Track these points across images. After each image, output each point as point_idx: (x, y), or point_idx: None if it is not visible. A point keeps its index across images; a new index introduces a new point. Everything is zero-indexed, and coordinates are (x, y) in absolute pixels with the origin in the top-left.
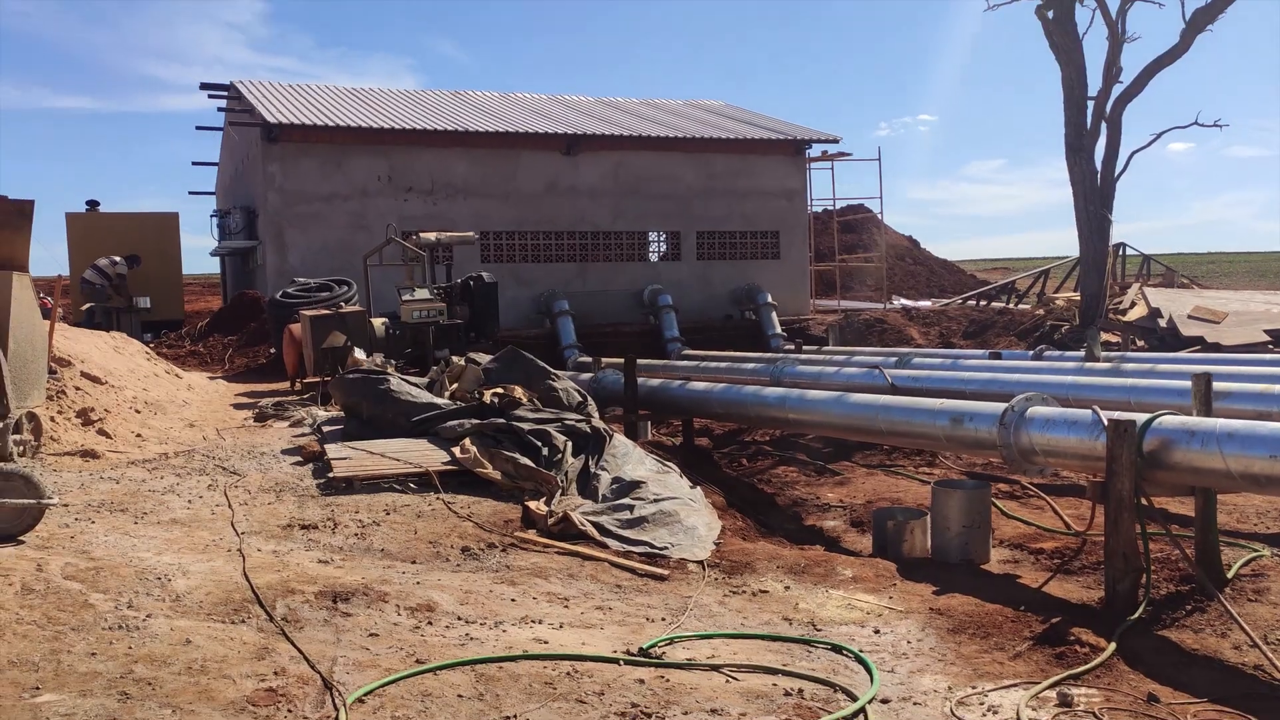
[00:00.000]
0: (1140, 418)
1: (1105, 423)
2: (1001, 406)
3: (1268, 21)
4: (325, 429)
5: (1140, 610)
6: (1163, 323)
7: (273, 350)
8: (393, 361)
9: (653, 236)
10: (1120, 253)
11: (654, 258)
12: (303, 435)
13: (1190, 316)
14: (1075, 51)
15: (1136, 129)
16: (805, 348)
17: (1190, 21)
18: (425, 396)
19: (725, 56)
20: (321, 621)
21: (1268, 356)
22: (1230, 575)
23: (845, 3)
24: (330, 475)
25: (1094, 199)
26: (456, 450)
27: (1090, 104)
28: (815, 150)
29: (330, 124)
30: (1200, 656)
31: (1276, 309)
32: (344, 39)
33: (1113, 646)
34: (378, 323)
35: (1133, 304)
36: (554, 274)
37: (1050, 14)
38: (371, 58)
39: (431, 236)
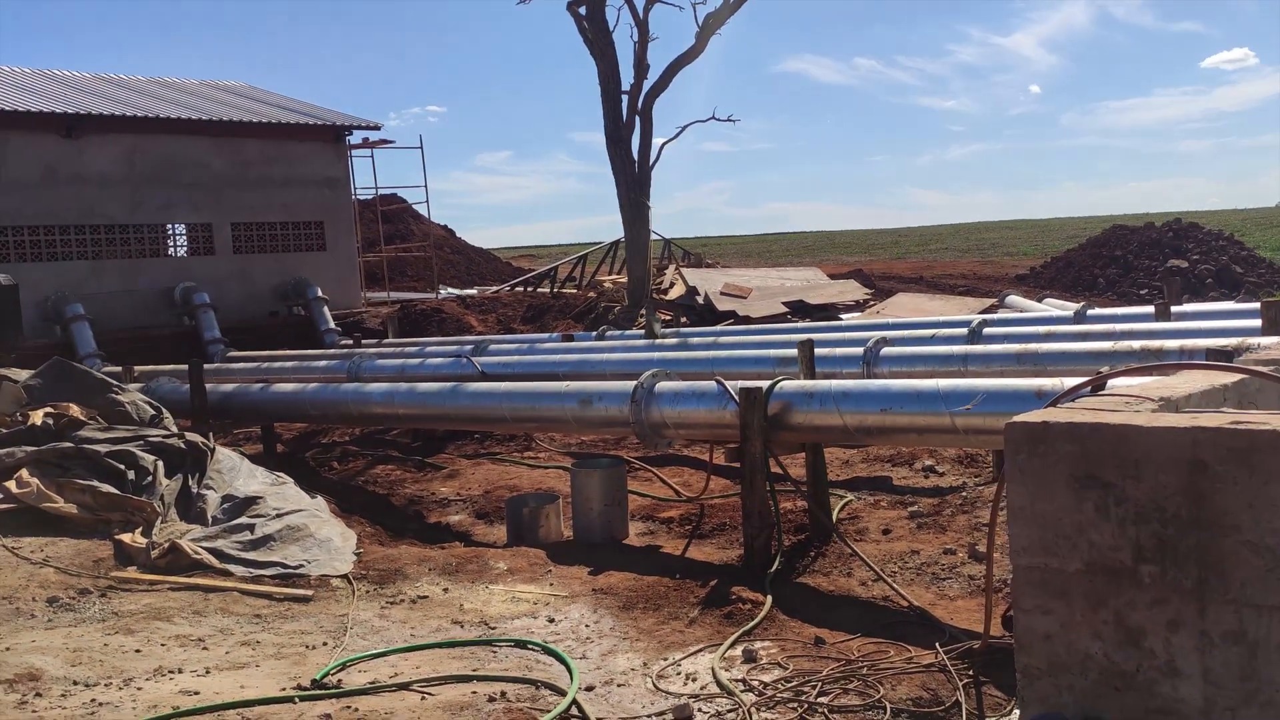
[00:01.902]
0: (763, 384)
1: (733, 392)
2: (628, 385)
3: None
4: None
5: (776, 563)
6: (700, 300)
7: None
8: None
9: (181, 229)
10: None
11: (184, 252)
12: None
13: (722, 293)
14: (609, 47)
15: (666, 122)
16: (364, 341)
17: (703, 24)
18: None
19: (205, 37)
20: None
21: (799, 325)
22: (834, 520)
23: None
24: None
25: (634, 187)
26: (11, 485)
27: (625, 98)
28: (357, 138)
29: None
30: (838, 597)
31: (789, 283)
32: None
33: (769, 600)
34: None
35: (672, 284)
36: (61, 274)
37: (582, 10)
38: None
39: None
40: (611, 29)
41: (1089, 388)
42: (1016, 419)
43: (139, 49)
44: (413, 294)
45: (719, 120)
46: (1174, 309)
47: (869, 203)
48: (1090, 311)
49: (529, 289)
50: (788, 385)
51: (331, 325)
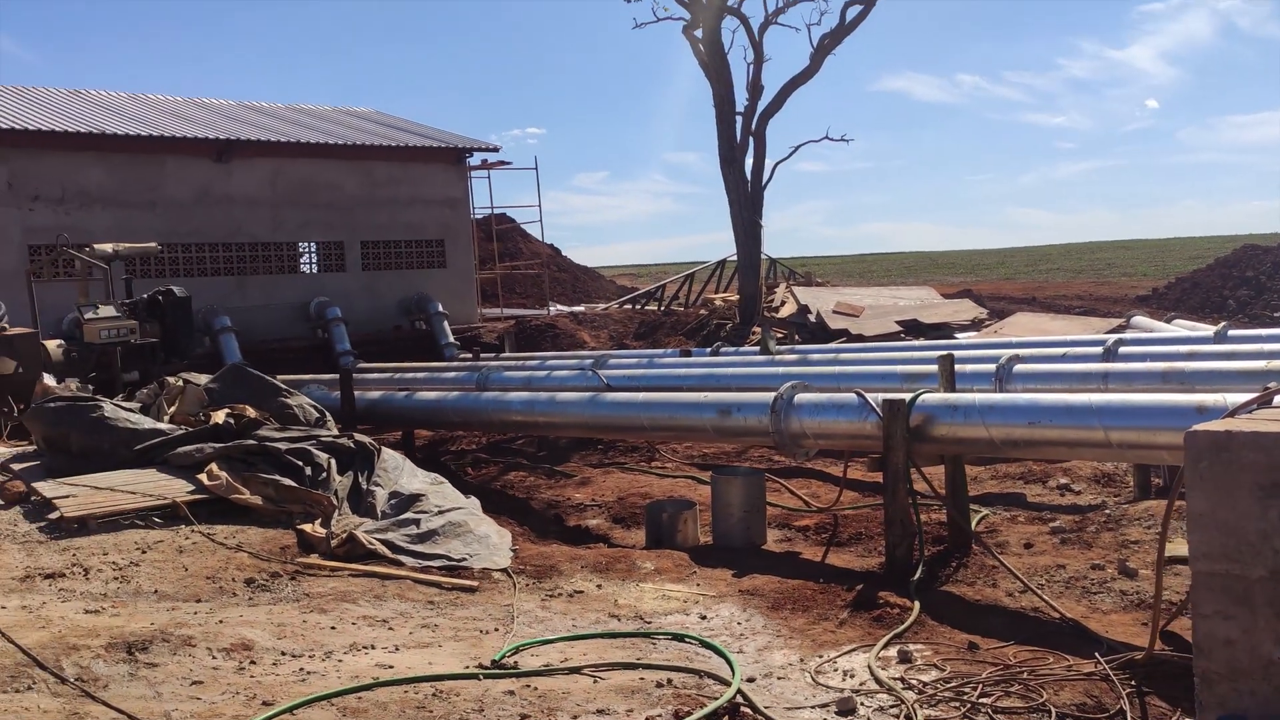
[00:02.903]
0: (906, 396)
1: (874, 404)
2: (768, 396)
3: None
4: (16, 466)
5: (919, 571)
6: (812, 318)
7: None
8: (89, 387)
9: (316, 247)
10: None
11: (318, 269)
12: None
13: (835, 311)
14: (724, 69)
15: (777, 142)
16: (483, 355)
17: (818, 45)
18: (147, 423)
19: (326, 65)
20: (126, 676)
21: (916, 343)
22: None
23: (482, 15)
24: (56, 516)
25: (747, 207)
26: (203, 477)
27: (738, 119)
28: (475, 159)
29: None
30: (985, 606)
31: (902, 302)
32: None
33: (917, 605)
34: (51, 345)
35: (783, 302)
36: (210, 289)
37: (698, 33)
38: None
39: (108, 248)
40: (725, 50)
41: (1256, 403)
42: (1197, 428)
43: (276, 76)
44: (524, 310)
45: (832, 140)
46: None
47: (971, 223)
48: (1231, 332)
49: (637, 306)
50: (930, 398)
51: (451, 339)
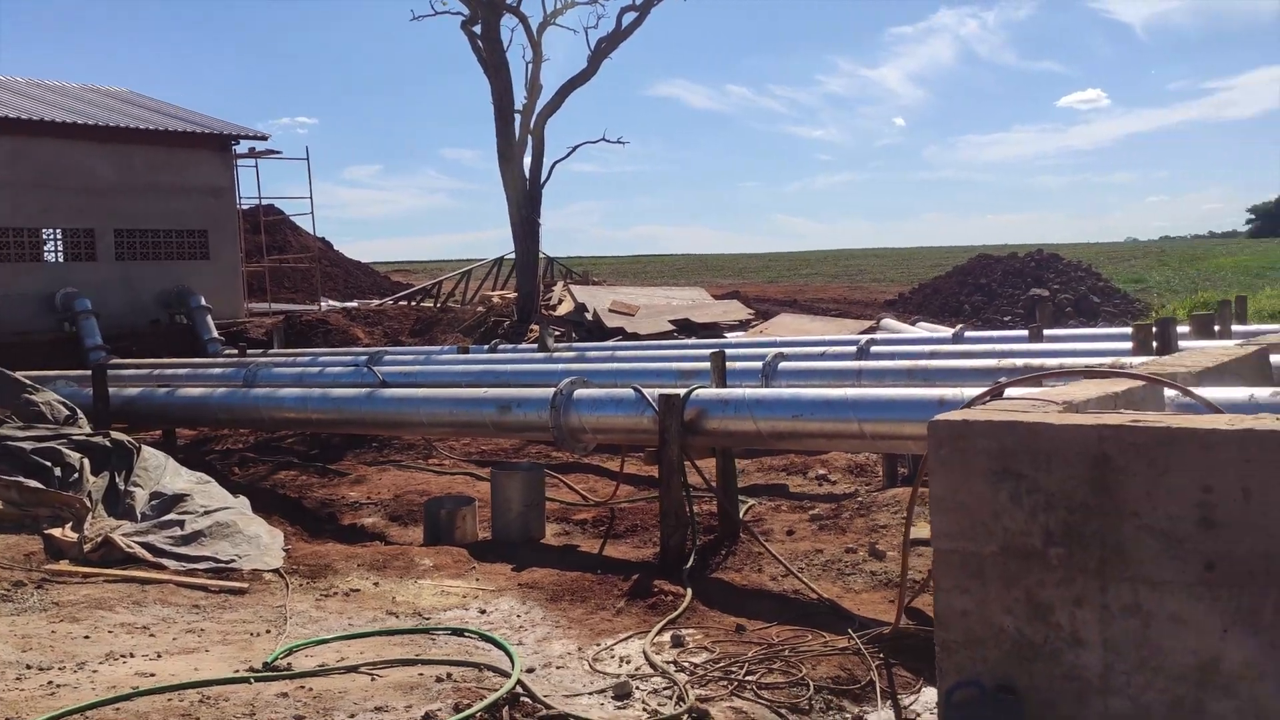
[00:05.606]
0: (680, 391)
1: (650, 399)
2: (548, 391)
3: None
4: None
5: (691, 560)
6: (589, 316)
7: None
8: None
9: (62, 234)
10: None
11: (65, 257)
12: None
13: (611, 310)
14: (503, 67)
15: (555, 142)
16: (249, 351)
17: (595, 49)
18: None
19: (69, 38)
20: None
21: (689, 341)
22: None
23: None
24: None
25: (525, 205)
26: None
27: (517, 117)
28: (242, 147)
29: None
30: (751, 590)
31: (675, 302)
32: None
33: (689, 593)
34: None
35: (560, 300)
36: None
37: (477, 29)
38: None
39: None
40: (505, 48)
41: (989, 396)
42: (939, 417)
43: (9, 50)
44: (294, 305)
45: (609, 141)
46: (1046, 332)
47: (739, 228)
48: (967, 334)
49: (413, 303)
50: (703, 393)
51: (215, 334)
